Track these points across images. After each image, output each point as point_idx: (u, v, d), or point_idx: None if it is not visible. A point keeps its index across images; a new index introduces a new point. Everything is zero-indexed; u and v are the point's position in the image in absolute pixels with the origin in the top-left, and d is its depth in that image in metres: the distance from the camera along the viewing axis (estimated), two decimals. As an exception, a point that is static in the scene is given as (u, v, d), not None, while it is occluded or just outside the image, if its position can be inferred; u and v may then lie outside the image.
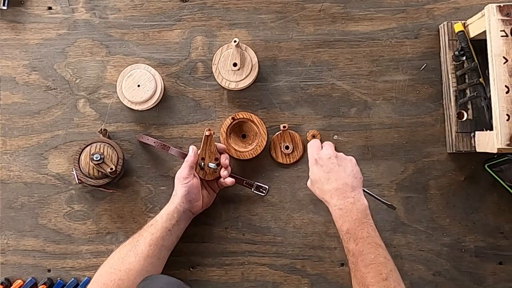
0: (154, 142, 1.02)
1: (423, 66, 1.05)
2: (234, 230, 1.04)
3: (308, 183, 0.97)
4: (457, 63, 1.00)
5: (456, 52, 0.99)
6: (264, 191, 1.04)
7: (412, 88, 1.05)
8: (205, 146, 0.98)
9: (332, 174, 0.90)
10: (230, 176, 1.00)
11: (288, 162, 1.05)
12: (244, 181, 1.03)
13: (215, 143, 0.99)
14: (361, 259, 0.83)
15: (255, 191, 1.04)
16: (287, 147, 1.04)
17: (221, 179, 0.99)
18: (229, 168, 1.00)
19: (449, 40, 1.01)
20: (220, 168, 0.99)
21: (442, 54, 1.04)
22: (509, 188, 1.02)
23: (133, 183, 1.06)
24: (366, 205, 0.89)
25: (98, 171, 0.99)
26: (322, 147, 0.96)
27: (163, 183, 1.05)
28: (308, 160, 0.96)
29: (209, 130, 0.96)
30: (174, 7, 1.08)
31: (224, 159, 0.99)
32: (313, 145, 0.95)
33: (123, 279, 0.89)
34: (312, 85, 1.06)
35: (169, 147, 1.01)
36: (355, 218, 0.87)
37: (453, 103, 1.00)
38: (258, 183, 1.04)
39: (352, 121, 1.05)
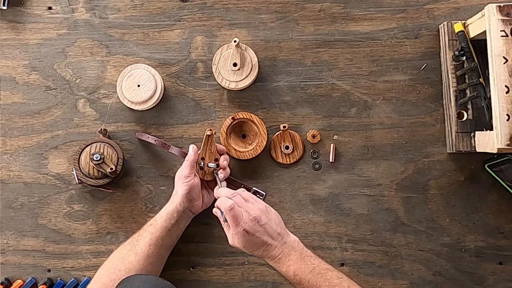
0: (155, 141, 1.02)
1: (423, 66, 1.05)
2: (234, 230, 1.04)
3: (233, 244, 0.89)
4: (457, 63, 1.00)
5: (456, 52, 0.99)
6: (260, 197, 1.03)
7: (412, 88, 1.05)
8: (205, 146, 0.98)
9: (265, 237, 0.87)
10: (228, 179, 0.99)
11: (288, 162, 1.05)
12: (242, 185, 1.03)
13: (216, 144, 0.99)
14: None
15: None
16: (287, 147, 1.04)
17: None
18: (227, 170, 0.99)
19: (449, 40, 1.01)
20: (219, 169, 0.98)
21: (442, 54, 1.04)
22: (509, 188, 1.02)
23: (133, 183, 1.06)
24: (297, 240, 0.91)
25: (98, 171, 0.99)
26: (235, 209, 0.86)
27: (163, 183, 1.05)
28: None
29: (211, 130, 0.96)
30: (174, 7, 1.08)
31: (223, 161, 0.98)
32: (235, 215, 0.86)
33: (123, 279, 0.89)
34: (312, 85, 1.06)
35: (170, 146, 1.01)
36: (295, 258, 0.88)
37: (453, 103, 1.00)
38: (255, 189, 1.04)
39: (352, 121, 1.05)
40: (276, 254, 0.88)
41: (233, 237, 0.88)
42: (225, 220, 0.89)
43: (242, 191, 0.93)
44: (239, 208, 0.87)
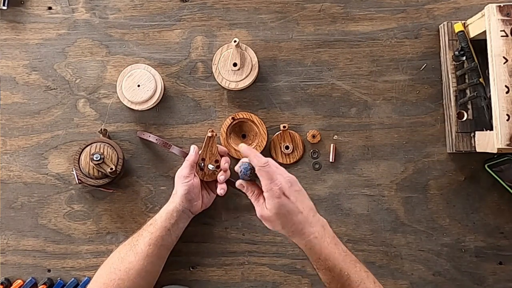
0: (156, 140, 1.02)
1: (423, 66, 1.05)
2: (234, 230, 1.04)
3: (264, 214, 0.84)
4: (457, 63, 1.00)
5: (456, 52, 0.99)
6: None
7: (412, 88, 1.05)
8: (206, 147, 0.97)
9: (299, 205, 0.82)
10: (228, 181, 0.99)
11: (288, 162, 1.05)
12: None
13: (217, 145, 0.99)
14: (348, 282, 0.82)
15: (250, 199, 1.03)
16: (287, 147, 1.04)
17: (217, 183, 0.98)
18: (228, 172, 0.99)
19: (449, 40, 1.01)
20: (219, 171, 0.98)
21: (442, 54, 1.04)
22: (509, 188, 1.02)
23: (133, 183, 1.06)
24: (326, 223, 0.86)
25: (98, 171, 0.99)
26: (272, 174, 0.83)
27: (163, 183, 1.05)
28: (246, 193, 0.88)
29: (212, 131, 0.96)
30: (174, 7, 1.08)
31: (224, 163, 0.98)
32: (266, 173, 0.82)
33: (123, 279, 0.89)
34: (312, 85, 1.06)
35: (171, 145, 1.01)
36: (329, 241, 0.84)
37: (453, 103, 1.00)
38: None
39: (352, 121, 1.05)
40: (310, 232, 0.82)
41: (264, 204, 0.81)
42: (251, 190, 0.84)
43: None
44: (273, 168, 0.82)
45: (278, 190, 0.81)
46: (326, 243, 0.83)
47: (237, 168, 0.90)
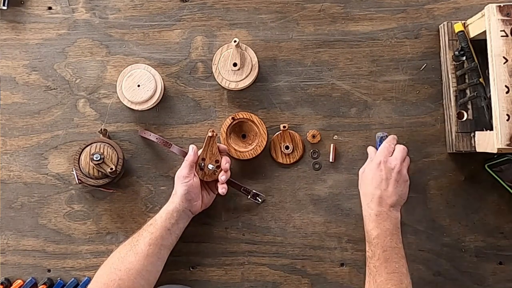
0: (156, 138, 1.02)
1: (423, 66, 1.05)
2: (234, 230, 1.04)
3: (361, 172, 0.97)
4: (457, 63, 1.00)
5: (456, 52, 0.99)
6: (260, 199, 1.04)
7: (412, 88, 1.05)
8: (206, 147, 0.97)
9: (383, 184, 0.91)
10: (228, 181, 0.99)
11: (288, 162, 1.05)
12: (242, 188, 1.03)
13: (217, 143, 0.99)
14: (385, 265, 0.87)
15: (251, 199, 1.03)
16: (287, 147, 1.04)
17: (218, 183, 0.98)
18: (229, 172, 0.99)
19: (449, 40, 1.01)
20: (220, 171, 0.98)
21: (442, 54, 1.04)
22: (509, 188, 1.02)
23: (133, 183, 1.06)
24: (399, 218, 0.92)
25: (98, 171, 0.99)
26: (392, 153, 0.95)
27: (163, 183, 1.05)
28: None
29: (213, 131, 0.96)
30: (174, 7, 1.08)
31: (225, 163, 0.98)
32: (386, 148, 0.95)
33: (123, 279, 0.89)
34: (312, 85, 1.06)
35: (171, 144, 1.01)
36: (387, 227, 0.90)
37: (453, 103, 1.00)
38: (255, 191, 1.04)
39: (352, 121, 1.05)
40: (377, 210, 0.90)
41: (369, 163, 0.96)
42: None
43: (408, 158, 0.97)
44: (395, 153, 0.94)
45: (379, 160, 0.93)
46: (381, 226, 0.90)
47: (378, 134, 1.02)
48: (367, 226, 0.92)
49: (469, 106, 0.99)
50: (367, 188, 0.93)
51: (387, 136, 1.00)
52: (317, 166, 1.05)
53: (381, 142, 0.99)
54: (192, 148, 0.97)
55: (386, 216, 0.90)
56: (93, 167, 0.99)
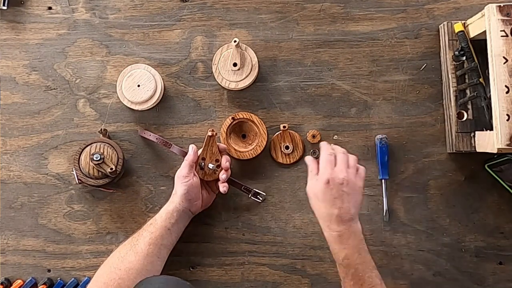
0: (156, 139, 1.02)
1: (423, 66, 1.05)
2: (234, 230, 1.04)
3: (309, 191, 0.91)
4: (457, 63, 1.00)
5: (456, 52, 0.99)
6: (260, 198, 1.04)
7: (412, 88, 1.05)
8: (206, 146, 0.97)
9: (338, 202, 0.87)
10: (229, 180, 0.99)
11: (288, 162, 1.05)
12: (242, 186, 1.03)
13: (217, 143, 0.99)
14: (360, 283, 0.85)
15: (252, 197, 1.03)
16: (287, 147, 1.04)
17: (219, 182, 0.99)
18: (229, 171, 0.99)
19: (449, 40, 1.01)
20: (220, 170, 0.98)
21: (442, 54, 1.04)
22: (509, 188, 1.02)
23: (133, 183, 1.06)
24: (360, 228, 0.89)
25: (98, 171, 0.99)
26: (335, 163, 0.90)
27: (163, 183, 1.05)
28: (308, 169, 0.93)
29: (213, 131, 0.96)
30: (174, 7, 1.08)
31: (225, 161, 0.98)
32: (328, 162, 0.89)
33: (123, 278, 0.89)
34: (312, 85, 1.06)
35: (171, 144, 1.01)
36: (353, 244, 0.87)
37: (453, 103, 1.00)
38: (256, 190, 1.04)
39: (352, 121, 1.05)
40: (338, 230, 0.87)
41: (315, 183, 0.89)
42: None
43: (353, 157, 0.92)
44: (338, 163, 0.89)
45: (325, 178, 0.87)
46: (347, 245, 0.86)
47: (378, 136, 1.01)
48: (332, 248, 0.88)
49: (469, 106, 0.99)
50: (322, 211, 0.88)
51: (386, 138, 1.00)
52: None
53: (380, 143, 0.99)
54: (192, 148, 0.97)
55: (349, 233, 0.87)
56: (93, 167, 0.99)
